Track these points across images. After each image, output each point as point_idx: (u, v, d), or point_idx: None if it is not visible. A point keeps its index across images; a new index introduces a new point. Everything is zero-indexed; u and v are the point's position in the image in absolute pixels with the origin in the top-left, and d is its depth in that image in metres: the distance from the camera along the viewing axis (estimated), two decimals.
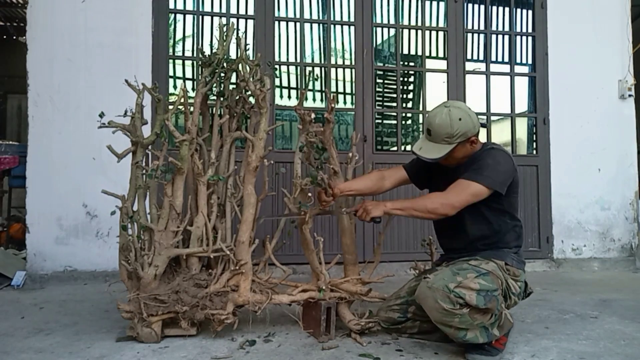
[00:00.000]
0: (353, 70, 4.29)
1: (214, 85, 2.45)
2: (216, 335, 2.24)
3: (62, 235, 3.67)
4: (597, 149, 4.48)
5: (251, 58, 2.48)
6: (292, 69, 4.53)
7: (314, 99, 4.57)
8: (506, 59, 4.67)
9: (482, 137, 4.26)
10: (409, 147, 5.24)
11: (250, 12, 4.15)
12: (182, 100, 2.22)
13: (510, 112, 4.53)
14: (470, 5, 4.55)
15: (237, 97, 2.49)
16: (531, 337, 2.29)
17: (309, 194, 2.21)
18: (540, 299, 3.09)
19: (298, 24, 4.25)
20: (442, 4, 4.54)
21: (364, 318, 2.29)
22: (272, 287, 2.33)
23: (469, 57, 4.60)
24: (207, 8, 4.14)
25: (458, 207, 1.96)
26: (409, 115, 5.28)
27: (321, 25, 4.42)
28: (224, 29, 2.48)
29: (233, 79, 2.53)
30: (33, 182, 3.66)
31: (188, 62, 4.26)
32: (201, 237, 2.27)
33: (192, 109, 2.34)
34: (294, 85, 4.55)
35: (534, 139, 4.61)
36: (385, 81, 4.99)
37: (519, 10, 4.64)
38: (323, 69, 4.38)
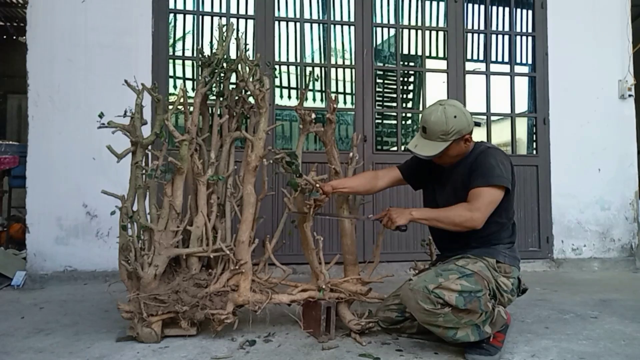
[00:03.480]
0: (353, 70, 4.29)
1: (214, 85, 2.45)
2: (216, 335, 2.24)
3: (62, 235, 3.67)
4: (597, 149, 4.48)
5: (251, 58, 2.48)
6: (292, 69, 4.53)
7: (314, 99, 4.57)
8: (506, 59, 4.67)
9: (482, 137, 4.32)
10: None
11: (250, 12, 4.15)
12: (182, 100, 2.23)
13: (510, 112, 4.53)
14: (470, 5, 4.55)
15: (237, 97, 2.50)
16: (531, 337, 2.29)
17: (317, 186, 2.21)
18: (540, 299, 3.09)
19: (298, 24, 4.25)
20: (442, 4, 4.54)
21: (364, 318, 2.29)
22: (272, 286, 2.33)
23: (469, 57, 4.60)
24: (207, 8, 4.14)
25: (485, 218, 1.97)
26: (409, 115, 5.27)
27: (321, 25, 4.42)
28: (224, 29, 2.48)
29: (233, 79, 2.53)
30: (33, 182, 3.66)
31: (188, 62, 4.26)
32: (201, 237, 2.27)
33: (191, 109, 2.34)
34: (294, 85, 4.55)
35: (534, 139, 4.61)
36: (385, 81, 4.99)
37: (519, 10, 4.64)
38: (323, 69, 4.38)
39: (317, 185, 2.19)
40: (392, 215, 2.07)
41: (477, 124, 2.19)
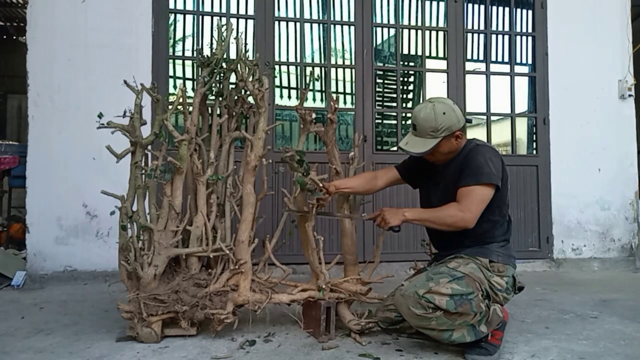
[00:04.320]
0: (353, 70, 4.29)
1: (213, 85, 2.45)
2: (216, 335, 2.24)
3: (62, 235, 3.67)
4: (597, 149, 4.48)
5: (250, 58, 2.48)
6: (292, 69, 4.53)
7: (314, 99, 4.57)
8: (506, 59, 4.67)
9: (482, 137, 4.32)
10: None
11: (250, 12, 4.15)
12: (181, 100, 2.22)
13: (510, 112, 4.53)
14: (470, 5, 4.55)
15: (236, 97, 2.50)
16: (531, 337, 2.29)
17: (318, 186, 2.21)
18: (540, 299, 3.09)
19: (298, 24, 4.25)
20: (442, 4, 4.54)
21: (364, 318, 2.29)
22: (272, 286, 2.33)
23: (469, 57, 4.60)
24: (207, 8, 4.14)
25: (476, 217, 1.98)
26: (409, 115, 5.27)
27: (321, 25, 4.42)
28: (223, 29, 2.48)
29: (232, 79, 2.53)
30: (33, 182, 3.66)
31: (188, 62, 4.26)
32: (201, 237, 2.27)
33: (190, 109, 2.33)
34: (294, 85, 4.55)
35: (534, 139, 4.61)
36: (385, 81, 4.99)
37: (519, 10, 4.64)
38: (323, 69, 4.38)
39: (322, 185, 2.20)
40: (385, 215, 2.08)
41: (469, 121, 2.19)
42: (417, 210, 2.16)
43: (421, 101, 4.63)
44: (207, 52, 2.49)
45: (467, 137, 2.16)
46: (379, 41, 4.69)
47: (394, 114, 4.63)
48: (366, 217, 2.27)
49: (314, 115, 2.36)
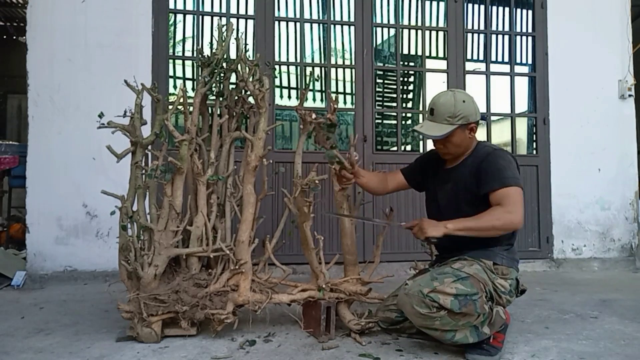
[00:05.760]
0: (353, 70, 4.28)
1: (214, 85, 2.45)
2: (216, 335, 2.24)
3: (62, 235, 3.67)
4: (597, 149, 4.48)
5: (251, 58, 2.48)
6: (292, 69, 4.53)
7: (314, 99, 4.57)
8: (506, 59, 4.67)
9: (483, 137, 4.31)
10: (409, 147, 5.26)
11: (250, 12, 4.15)
12: (182, 100, 2.23)
13: (510, 112, 4.53)
14: (470, 5, 4.55)
15: (237, 97, 2.50)
16: (531, 337, 2.30)
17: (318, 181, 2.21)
18: (540, 299, 3.09)
19: (298, 24, 4.25)
20: (442, 4, 4.54)
21: (364, 318, 2.29)
22: (272, 286, 2.33)
23: (469, 57, 4.60)
24: (207, 8, 4.14)
25: (522, 217, 1.95)
26: (409, 115, 5.28)
27: (321, 25, 4.42)
28: (223, 29, 2.48)
29: (232, 79, 2.54)
30: (33, 182, 3.66)
31: (188, 62, 4.26)
32: (201, 237, 2.27)
33: (191, 109, 2.34)
34: (294, 85, 4.55)
35: (534, 139, 4.61)
36: (385, 81, 5.00)
37: (519, 10, 4.64)
38: (323, 69, 4.38)
39: (346, 161, 2.21)
40: (423, 225, 1.99)
41: (484, 118, 2.20)
42: (458, 220, 1.99)
43: (421, 101, 4.64)
44: (207, 52, 2.49)
45: (477, 139, 2.17)
46: (379, 41, 4.69)
47: (394, 114, 4.63)
48: (404, 225, 2.18)
49: (313, 116, 2.36)
